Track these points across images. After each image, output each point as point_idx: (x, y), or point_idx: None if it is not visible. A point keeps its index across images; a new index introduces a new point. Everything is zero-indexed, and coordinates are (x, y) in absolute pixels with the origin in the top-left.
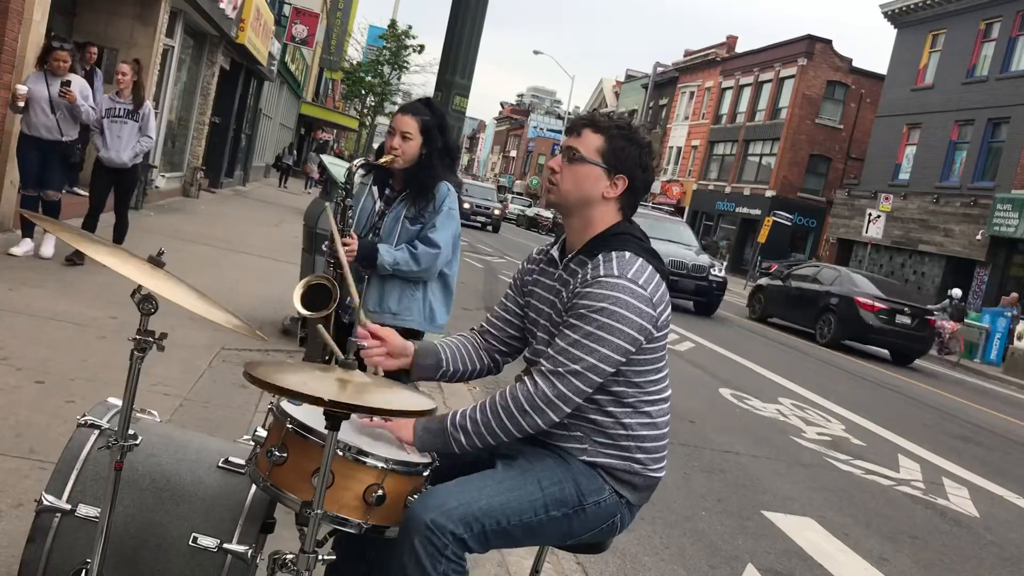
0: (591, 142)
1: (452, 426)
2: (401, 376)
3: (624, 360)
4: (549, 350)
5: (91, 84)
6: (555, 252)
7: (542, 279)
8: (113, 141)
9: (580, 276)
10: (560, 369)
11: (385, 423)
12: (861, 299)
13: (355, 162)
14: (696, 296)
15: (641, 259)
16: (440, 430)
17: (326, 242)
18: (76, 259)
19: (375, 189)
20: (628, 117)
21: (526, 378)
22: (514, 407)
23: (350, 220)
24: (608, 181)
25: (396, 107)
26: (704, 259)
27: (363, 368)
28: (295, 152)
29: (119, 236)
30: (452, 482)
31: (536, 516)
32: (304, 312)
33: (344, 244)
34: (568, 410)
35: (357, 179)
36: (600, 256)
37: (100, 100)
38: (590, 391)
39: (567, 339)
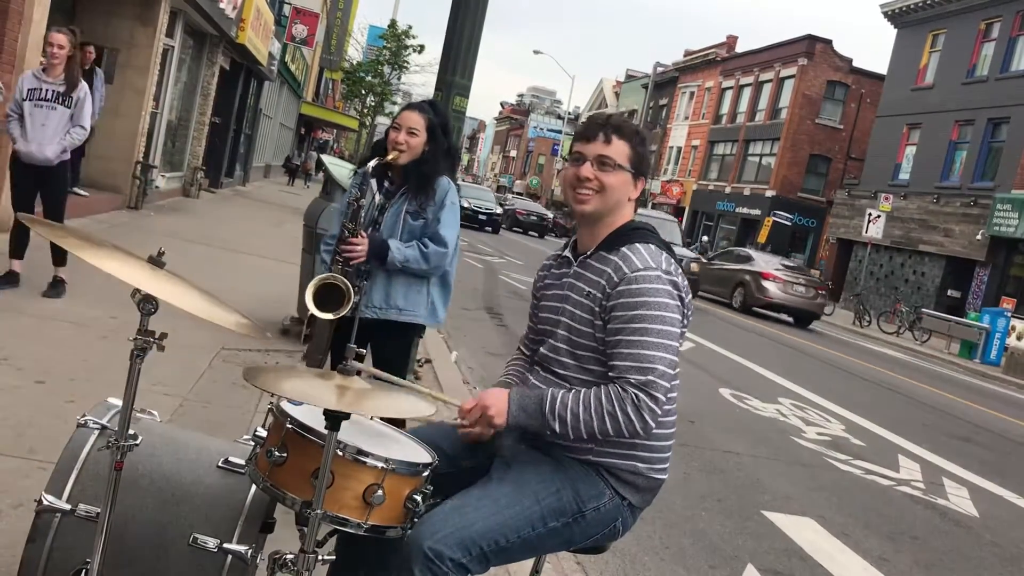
0: (621, 150)
1: (551, 413)
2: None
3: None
4: (625, 362)
5: (90, 84)
6: (568, 252)
7: (553, 281)
8: (35, 131)
9: (611, 269)
10: (650, 376)
11: (476, 406)
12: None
13: (370, 164)
14: None
15: (664, 253)
16: (537, 412)
17: (326, 237)
18: (51, 292)
19: (374, 182)
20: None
21: (622, 387)
22: (620, 416)
23: (362, 219)
24: (633, 185)
25: (396, 107)
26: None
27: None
28: (304, 155)
29: (59, 256)
30: (447, 505)
31: (535, 530)
32: (317, 312)
33: (354, 243)
34: (661, 412)
35: (356, 177)
36: (626, 250)
37: (96, 100)
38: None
39: (640, 344)
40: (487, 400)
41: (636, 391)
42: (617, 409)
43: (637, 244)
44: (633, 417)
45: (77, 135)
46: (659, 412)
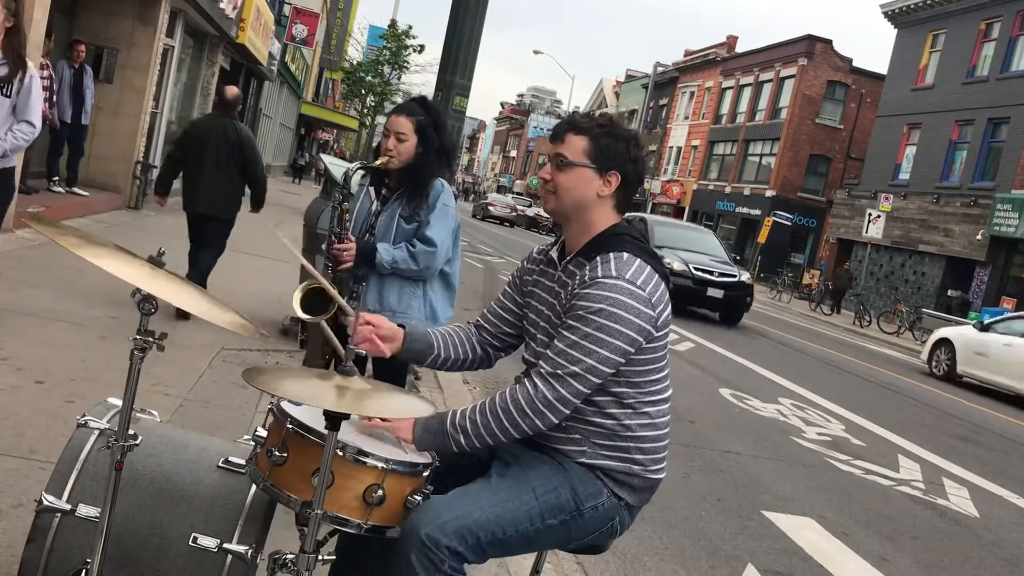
0: (576, 145)
1: (452, 427)
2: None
3: (623, 361)
4: (548, 352)
5: (81, 83)
6: (554, 253)
7: (542, 280)
8: None
9: (578, 277)
10: (559, 371)
11: (384, 423)
12: None
13: (352, 165)
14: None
15: (639, 259)
16: (440, 430)
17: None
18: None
19: (371, 189)
20: (609, 113)
21: (526, 380)
22: (514, 409)
23: (348, 223)
24: (601, 180)
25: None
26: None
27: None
28: (308, 154)
29: None
30: (447, 495)
31: (532, 526)
32: (304, 316)
33: (341, 248)
34: (567, 411)
35: (355, 182)
36: (598, 257)
37: (88, 98)
38: (589, 392)
39: (566, 341)
40: (395, 424)
41: (539, 381)
42: (510, 404)
43: (611, 253)
44: (527, 409)
45: (24, 134)
46: (561, 408)
